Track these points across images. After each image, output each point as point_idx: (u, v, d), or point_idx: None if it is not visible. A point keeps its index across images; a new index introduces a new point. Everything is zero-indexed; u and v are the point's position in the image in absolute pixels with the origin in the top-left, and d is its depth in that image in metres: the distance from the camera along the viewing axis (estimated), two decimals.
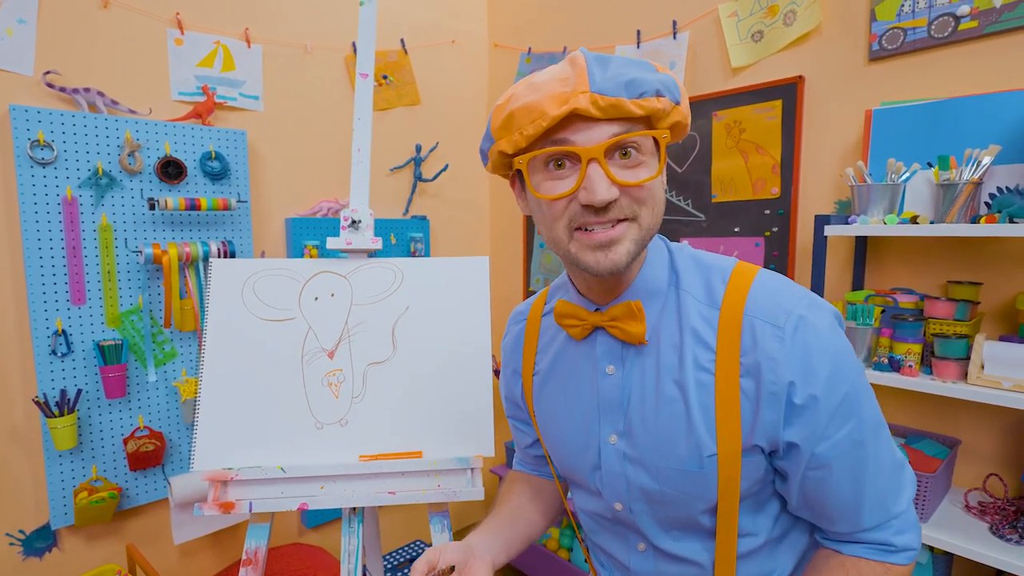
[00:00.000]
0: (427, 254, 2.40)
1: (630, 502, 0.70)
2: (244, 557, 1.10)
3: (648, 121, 0.60)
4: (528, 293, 2.59)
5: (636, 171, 0.59)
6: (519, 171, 0.63)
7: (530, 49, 2.43)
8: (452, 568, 0.70)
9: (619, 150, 0.58)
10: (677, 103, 0.60)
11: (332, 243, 1.27)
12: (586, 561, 0.86)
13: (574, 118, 0.57)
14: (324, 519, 2.21)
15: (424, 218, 2.40)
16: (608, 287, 0.66)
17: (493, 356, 2.64)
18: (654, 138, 0.60)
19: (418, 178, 2.41)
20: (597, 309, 0.68)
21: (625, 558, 0.75)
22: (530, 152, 0.59)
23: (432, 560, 0.69)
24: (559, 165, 0.59)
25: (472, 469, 1.15)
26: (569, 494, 0.86)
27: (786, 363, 0.59)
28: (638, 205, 0.59)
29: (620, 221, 0.59)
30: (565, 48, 2.30)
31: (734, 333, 0.61)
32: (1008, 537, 1.20)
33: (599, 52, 0.60)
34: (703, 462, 0.63)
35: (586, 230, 0.59)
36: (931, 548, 1.31)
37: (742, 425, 0.61)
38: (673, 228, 1.99)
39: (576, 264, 0.62)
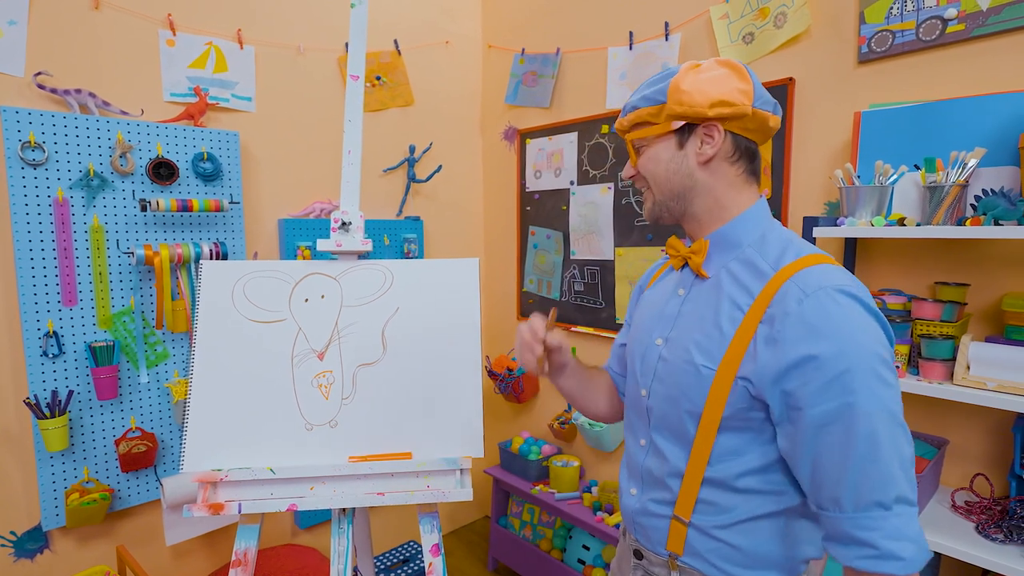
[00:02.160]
0: (421, 255, 2.40)
1: (652, 392, 0.86)
2: (234, 558, 1.10)
3: (644, 124, 0.85)
4: (522, 294, 2.59)
5: (641, 155, 0.86)
6: None
7: (523, 50, 2.43)
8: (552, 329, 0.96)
9: (634, 147, 0.88)
10: (661, 103, 0.81)
11: (322, 245, 1.27)
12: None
13: None
14: (317, 520, 2.21)
15: (418, 219, 2.40)
16: (691, 231, 0.87)
17: (487, 357, 2.65)
18: (644, 135, 0.85)
19: (412, 179, 2.41)
20: (688, 245, 0.88)
21: (634, 448, 0.92)
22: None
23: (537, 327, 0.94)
24: None
25: (461, 470, 1.16)
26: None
27: (796, 319, 0.70)
28: (647, 176, 0.86)
29: (646, 189, 0.88)
30: (558, 49, 2.31)
31: (773, 290, 0.74)
32: (994, 537, 1.21)
33: (650, 77, 0.87)
34: (700, 368, 0.78)
35: None
36: None
37: (744, 357, 0.74)
38: (668, 229, 1.99)
39: None
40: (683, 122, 0.80)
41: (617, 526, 1.97)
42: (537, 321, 0.95)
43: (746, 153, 0.83)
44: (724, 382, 0.75)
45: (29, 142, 1.53)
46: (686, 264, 0.87)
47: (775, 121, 0.82)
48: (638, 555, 0.91)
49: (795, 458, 0.73)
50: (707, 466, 0.79)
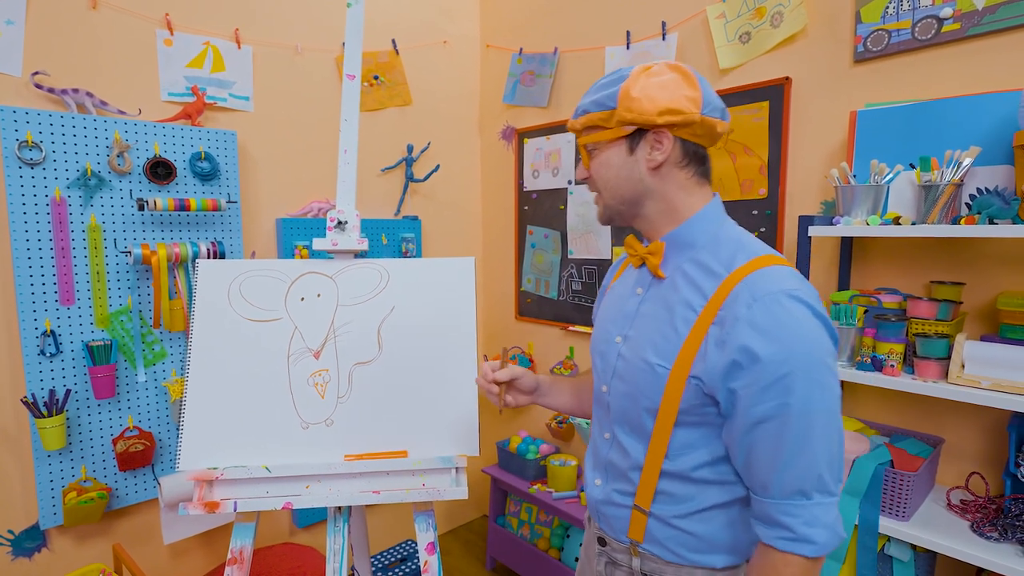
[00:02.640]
0: (419, 254, 2.40)
1: (611, 386, 0.90)
2: (230, 556, 1.10)
3: (595, 127, 0.86)
4: (520, 293, 2.60)
5: (593, 159, 0.88)
6: None
7: (521, 50, 2.44)
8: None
9: (586, 150, 0.88)
10: (611, 108, 0.82)
11: (318, 244, 1.28)
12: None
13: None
14: (315, 519, 2.21)
15: (416, 218, 2.40)
16: (646, 232, 0.90)
17: (484, 356, 2.65)
18: (595, 139, 0.86)
19: (409, 178, 2.42)
20: (645, 244, 0.91)
21: (599, 440, 0.95)
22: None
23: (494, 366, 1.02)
24: None
25: (456, 468, 1.16)
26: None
27: (745, 322, 0.73)
28: (597, 181, 0.88)
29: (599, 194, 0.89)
30: (556, 49, 2.31)
31: (725, 292, 0.77)
32: (989, 535, 1.21)
33: (600, 79, 0.88)
34: (655, 367, 0.81)
35: None
36: (913, 547, 1.32)
37: (696, 357, 0.78)
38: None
39: None
40: (633, 128, 0.82)
41: None
42: (487, 365, 1.02)
43: (695, 157, 0.85)
44: (678, 380, 0.79)
45: (27, 141, 1.54)
46: (643, 264, 0.90)
47: (723, 127, 0.84)
48: (602, 542, 0.95)
49: (732, 447, 0.79)
50: (664, 459, 0.83)
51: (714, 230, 0.84)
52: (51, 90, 1.59)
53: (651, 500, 0.85)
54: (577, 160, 2.29)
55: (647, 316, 0.86)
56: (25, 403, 1.53)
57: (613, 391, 0.90)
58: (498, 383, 1.01)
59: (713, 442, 0.81)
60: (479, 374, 1.03)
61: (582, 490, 2.23)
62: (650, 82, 0.80)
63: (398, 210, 2.42)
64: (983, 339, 1.26)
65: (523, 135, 2.50)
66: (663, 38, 1.97)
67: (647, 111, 0.80)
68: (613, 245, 2.19)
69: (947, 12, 1.37)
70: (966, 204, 1.28)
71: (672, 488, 0.84)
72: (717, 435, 0.81)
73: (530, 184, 2.50)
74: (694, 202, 0.85)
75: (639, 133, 0.82)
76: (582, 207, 2.29)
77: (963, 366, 1.21)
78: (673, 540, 0.85)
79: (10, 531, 1.62)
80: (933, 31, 1.40)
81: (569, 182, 2.33)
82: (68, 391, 1.60)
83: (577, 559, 1.12)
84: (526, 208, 2.53)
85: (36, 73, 1.58)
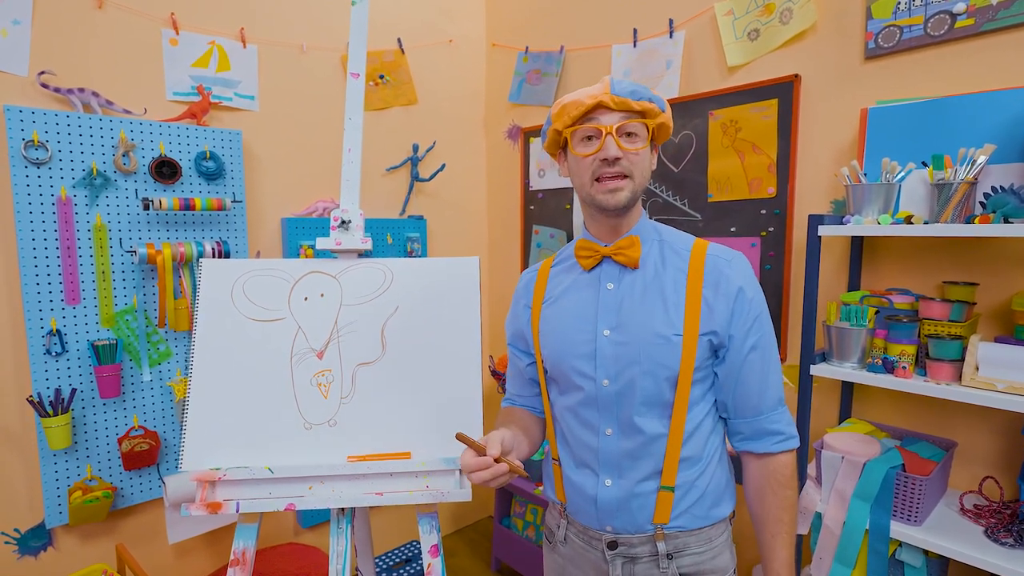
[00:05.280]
0: (424, 254, 2.40)
1: (617, 376, 0.92)
2: (232, 558, 1.10)
3: (644, 116, 0.91)
4: None
5: (634, 144, 0.90)
6: (565, 143, 0.95)
7: (527, 48, 2.42)
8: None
9: (625, 131, 0.90)
10: (663, 110, 0.93)
11: (322, 243, 1.27)
12: (555, 490, 1.04)
13: (600, 108, 0.89)
14: (319, 519, 2.21)
15: (421, 218, 2.40)
16: (613, 227, 0.96)
17: (491, 356, 2.64)
18: (646, 124, 0.91)
19: (415, 178, 2.41)
20: (605, 245, 0.97)
21: (597, 441, 0.95)
22: (573, 127, 0.92)
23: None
24: (589, 138, 0.91)
25: (460, 470, 1.14)
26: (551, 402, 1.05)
27: (734, 277, 0.92)
28: (632, 166, 0.90)
29: (623, 177, 0.90)
30: (562, 47, 2.30)
31: (700, 261, 0.93)
32: (1004, 541, 1.19)
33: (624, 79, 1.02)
34: (671, 338, 0.90)
35: (601, 180, 0.91)
36: (925, 552, 1.29)
37: (701, 317, 0.90)
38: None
39: (594, 202, 0.92)
40: (652, 135, 0.93)
41: None
42: (468, 458, 0.84)
43: None
44: (691, 341, 0.89)
45: (33, 141, 1.54)
46: (602, 262, 0.97)
47: None
48: (612, 545, 0.95)
49: (727, 381, 0.93)
50: (685, 422, 0.91)
51: (649, 223, 1.00)
52: (57, 89, 1.60)
53: (676, 472, 0.91)
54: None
55: (635, 300, 0.93)
56: (31, 402, 1.53)
57: (619, 378, 0.92)
58: (500, 459, 0.84)
59: (708, 392, 0.94)
60: (471, 471, 0.83)
61: None
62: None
63: (403, 210, 2.41)
64: (997, 340, 1.24)
65: (529, 134, 2.48)
66: (670, 36, 1.95)
67: (669, 131, 0.97)
68: None
69: (961, 7, 1.35)
70: (980, 203, 1.26)
71: (689, 451, 0.92)
72: (711, 384, 0.95)
73: (536, 183, 2.48)
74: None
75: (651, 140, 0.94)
76: None
77: (977, 368, 1.18)
78: (697, 505, 0.92)
79: (16, 530, 1.63)
80: (946, 27, 1.37)
81: None
82: (73, 390, 1.60)
83: None
84: (532, 207, 2.51)
85: (42, 72, 1.58)
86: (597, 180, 0.91)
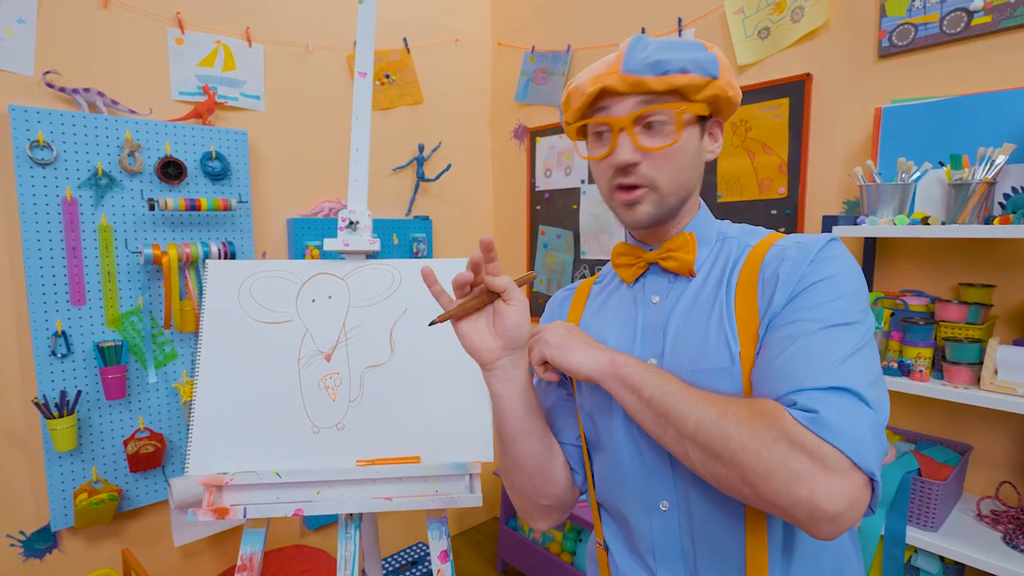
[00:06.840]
0: (430, 255, 2.38)
1: None
2: (239, 563, 1.09)
3: (679, 95, 0.65)
4: (532, 294, 2.57)
5: (658, 139, 0.66)
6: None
7: (534, 47, 2.40)
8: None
9: (645, 121, 0.66)
10: (713, 77, 0.65)
11: (329, 244, 1.25)
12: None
13: (607, 94, 0.66)
14: (326, 521, 2.20)
15: (427, 218, 2.38)
16: (657, 233, 0.73)
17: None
18: (674, 109, 0.65)
19: (421, 178, 2.39)
20: (650, 249, 0.75)
21: (650, 523, 0.70)
22: (577, 123, 0.71)
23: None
24: (600, 134, 0.70)
25: (470, 475, 1.13)
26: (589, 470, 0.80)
27: (800, 259, 0.63)
28: (655, 172, 0.66)
29: (639, 188, 0.67)
30: (569, 46, 2.28)
31: (759, 257, 0.67)
32: (1022, 547, 1.17)
33: (660, 38, 0.71)
34: (733, 358, 0.64)
35: (618, 188, 0.69)
36: (942, 558, 1.27)
37: (761, 333, 0.63)
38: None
39: (617, 217, 0.72)
40: (709, 109, 0.68)
41: None
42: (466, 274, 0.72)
43: None
44: (748, 366, 0.63)
45: (38, 141, 1.53)
46: (646, 272, 0.75)
47: None
48: None
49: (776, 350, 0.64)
50: None
51: (712, 223, 0.75)
52: (62, 89, 1.59)
53: (766, 566, 0.63)
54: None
55: (687, 318, 0.69)
56: (36, 404, 1.52)
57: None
58: (477, 285, 0.72)
59: None
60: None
61: None
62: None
63: (409, 210, 2.40)
64: (1016, 344, 1.22)
65: (535, 134, 2.47)
66: (679, 34, 1.93)
67: (736, 92, 0.68)
68: None
69: (977, 4, 1.32)
70: (999, 204, 1.23)
71: (781, 534, 0.64)
72: None
73: (542, 184, 2.46)
74: (697, 199, 0.75)
75: (702, 118, 0.68)
76: (595, 206, 2.25)
77: (996, 372, 1.16)
78: None
79: (21, 532, 1.62)
80: (963, 24, 1.35)
81: (582, 181, 2.30)
82: (79, 392, 1.59)
83: None
84: (538, 208, 2.50)
85: (47, 72, 1.57)
86: (617, 188, 0.69)
